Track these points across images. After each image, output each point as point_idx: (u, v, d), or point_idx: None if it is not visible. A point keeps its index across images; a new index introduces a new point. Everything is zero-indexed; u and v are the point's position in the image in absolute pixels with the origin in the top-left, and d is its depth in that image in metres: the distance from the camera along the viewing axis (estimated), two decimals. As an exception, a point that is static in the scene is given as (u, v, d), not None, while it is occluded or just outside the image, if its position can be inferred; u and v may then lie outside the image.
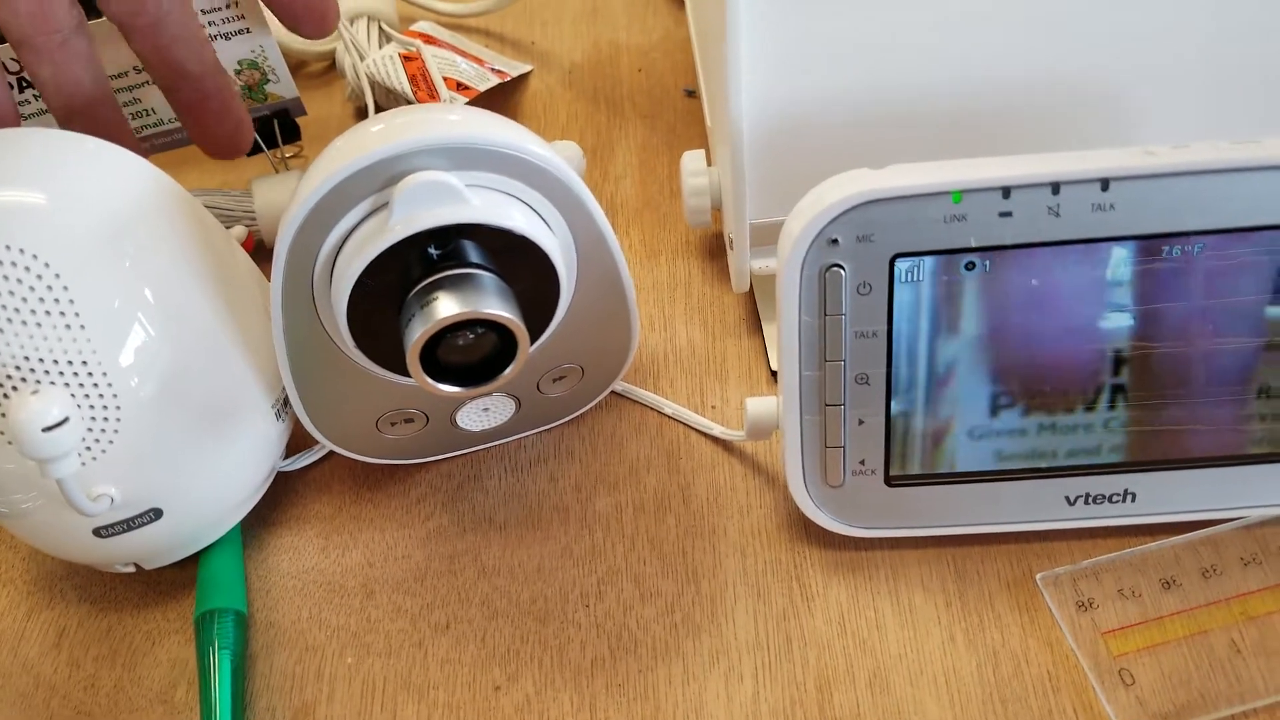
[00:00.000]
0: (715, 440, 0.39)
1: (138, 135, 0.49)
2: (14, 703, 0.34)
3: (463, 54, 0.54)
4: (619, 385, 0.40)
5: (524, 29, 0.59)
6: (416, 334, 0.29)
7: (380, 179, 0.29)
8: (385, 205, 0.29)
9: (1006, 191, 0.29)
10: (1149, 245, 0.30)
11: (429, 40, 0.54)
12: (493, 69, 0.54)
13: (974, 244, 0.30)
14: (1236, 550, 0.34)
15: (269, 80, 0.48)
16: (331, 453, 0.39)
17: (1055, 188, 0.29)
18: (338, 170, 0.28)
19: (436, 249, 0.29)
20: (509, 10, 0.58)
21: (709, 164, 0.43)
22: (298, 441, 0.39)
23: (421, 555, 0.36)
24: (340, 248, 0.30)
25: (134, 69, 0.46)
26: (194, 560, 0.36)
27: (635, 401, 0.40)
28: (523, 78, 0.55)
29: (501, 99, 0.54)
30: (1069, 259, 0.30)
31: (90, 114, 0.38)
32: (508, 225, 0.30)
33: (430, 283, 0.29)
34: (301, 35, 0.41)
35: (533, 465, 0.39)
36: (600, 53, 0.57)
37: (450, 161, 0.29)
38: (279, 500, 0.38)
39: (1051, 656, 0.32)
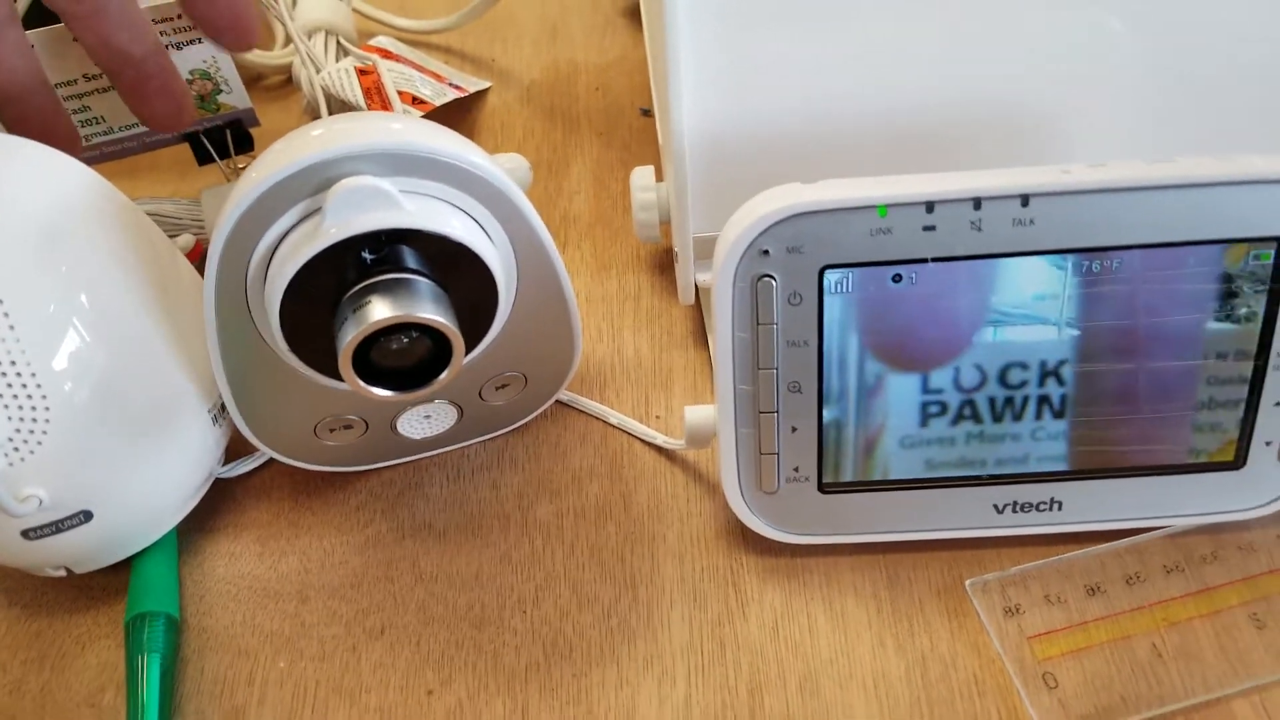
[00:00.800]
0: (658, 450, 0.39)
1: (87, 143, 0.49)
2: (-60, 708, 0.33)
3: (420, 69, 0.54)
4: (564, 395, 0.40)
5: (484, 47, 0.60)
6: (349, 337, 0.29)
7: (314, 183, 0.29)
8: (320, 210, 0.29)
9: (930, 206, 0.30)
10: (1071, 261, 0.31)
11: (387, 55, 0.54)
12: (451, 84, 0.54)
13: (899, 257, 0.31)
14: (1160, 558, 0.35)
15: (222, 91, 0.48)
16: (271, 460, 0.39)
17: (977, 203, 0.30)
18: (272, 173, 0.29)
19: (371, 254, 0.30)
20: (470, 28, 0.59)
21: (658, 180, 0.43)
22: (237, 448, 0.39)
23: (359, 561, 0.36)
24: (274, 251, 0.30)
25: (83, 76, 0.46)
26: (127, 565, 0.35)
27: (580, 411, 0.41)
28: (481, 94, 0.56)
29: (459, 114, 0.54)
30: (992, 273, 0.31)
31: (26, 101, 0.38)
32: (443, 231, 0.30)
33: (363, 287, 0.29)
34: (225, 47, 0.42)
35: (475, 473, 0.39)
36: (559, 71, 0.58)
37: (386, 168, 0.30)
38: (217, 507, 0.38)
39: (979, 660, 0.33)
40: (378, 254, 0.30)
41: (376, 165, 0.29)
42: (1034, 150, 0.38)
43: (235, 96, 0.48)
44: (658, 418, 0.40)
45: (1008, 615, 0.34)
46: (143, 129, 0.49)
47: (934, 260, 0.31)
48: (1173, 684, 0.32)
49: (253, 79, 0.56)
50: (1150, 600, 0.34)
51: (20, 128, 0.39)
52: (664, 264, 0.46)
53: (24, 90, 0.38)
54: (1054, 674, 0.32)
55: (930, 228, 0.30)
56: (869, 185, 0.30)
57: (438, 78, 0.54)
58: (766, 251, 0.31)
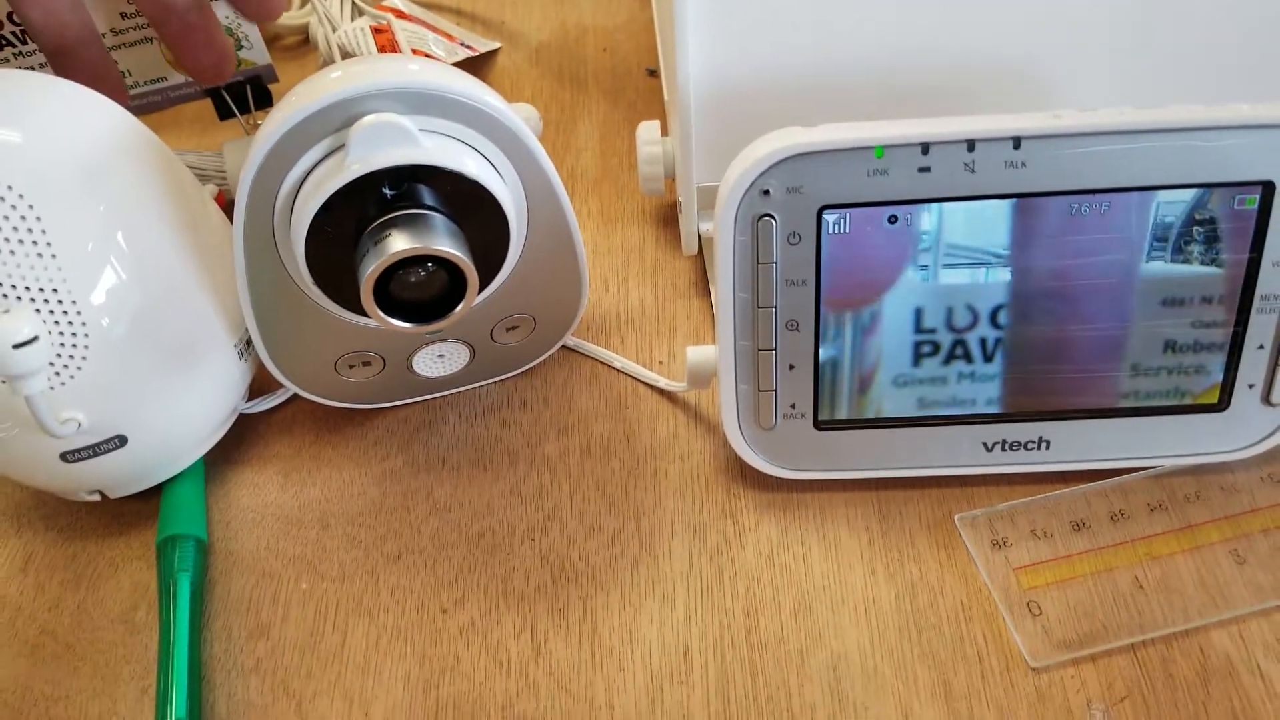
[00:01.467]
0: (661, 392, 0.41)
1: (114, 97, 0.50)
2: (-20, 623, 0.35)
3: (433, 29, 0.56)
4: (571, 340, 0.42)
5: (494, 9, 0.61)
6: (370, 267, 0.31)
7: (337, 121, 0.31)
8: (342, 147, 0.31)
9: (925, 148, 0.31)
10: (1059, 202, 0.32)
11: (400, 15, 0.56)
12: (462, 44, 0.56)
13: (895, 197, 0.32)
14: (1144, 497, 0.36)
15: (243, 47, 0.49)
16: (294, 397, 0.41)
17: (970, 145, 0.31)
18: (296, 111, 0.30)
19: (391, 190, 0.31)
20: (480, -10, 0.60)
21: (664, 135, 0.45)
22: (262, 386, 0.41)
23: (376, 492, 0.38)
24: (299, 188, 0.32)
25: (111, 31, 0.47)
26: (157, 492, 0.37)
27: (586, 356, 0.42)
28: (491, 54, 0.57)
29: (469, 73, 0.55)
30: (984, 214, 0.32)
31: (77, 53, 0.40)
32: (459, 169, 0.31)
33: (384, 221, 0.31)
34: (248, 18, 0.44)
35: (486, 413, 0.41)
36: (567, 33, 0.59)
37: (406, 106, 0.31)
38: (242, 440, 0.40)
39: (966, 590, 0.34)
40: (398, 190, 0.31)
41: (397, 103, 0.31)
42: (1029, 103, 0.39)
43: (256, 53, 0.50)
44: (660, 363, 0.42)
45: (995, 548, 0.35)
46: (167, 83, 0.51)
47: (928, 201, 0.32)
48: (1153, 614, 0.34)
49: (271, 38, 0.58)
50: (1134, 536, 0.35)
51: (71, 78, 0.41)
52: (668, 218, 0.48)
53: (77, 42, 0.40)
54: (1038, 602, 0.34)
55: (925, 169, 0.32)
56: (867, 128, 0.32)
57: (449, 37, 0.56)
58: (767, 191, 0.32)
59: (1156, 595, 0.34)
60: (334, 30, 0.53)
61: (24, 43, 0.47)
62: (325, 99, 0.30)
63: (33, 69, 0.47)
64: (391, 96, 0.31)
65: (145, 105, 0.51)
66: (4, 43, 0.46)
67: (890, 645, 0.33)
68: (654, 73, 0.56)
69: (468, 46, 0.56)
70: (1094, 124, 0.31)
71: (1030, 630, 0.33)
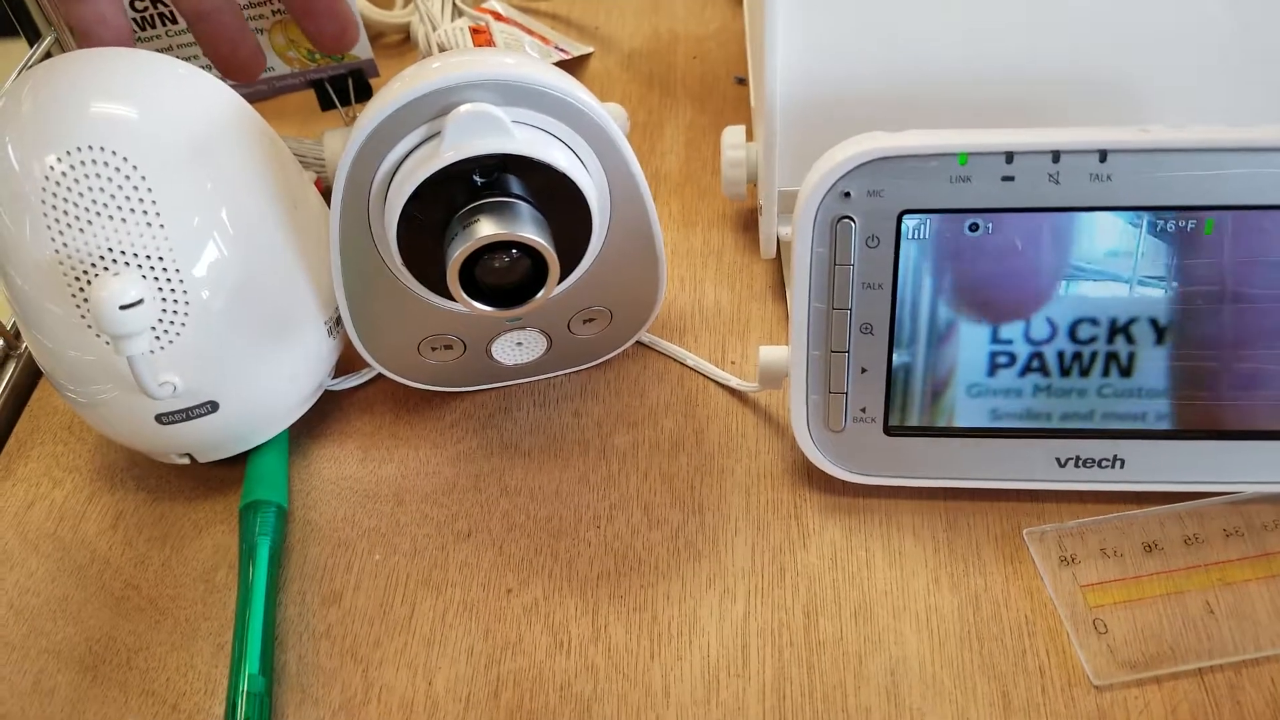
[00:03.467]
0: (731, 391, 0.41)
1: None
2: (72, 573, 0.37)
3: (529, 32, 0.57)
4: (645, 336, 0.43)
5: (589, 14, 0.62)
6: (457, 251, 0.32)
7: (434, 109, 0.32)
8: (438, 134, 0.32)
9: (1009, 157, 0.31)
10: (1142, 217, 0.32)
11: (498, 18, 0.57)
12: (556, 47, 0.57)
13: (977, 205, 0.32)
14: (1220, 523, 0.36)
15: (347, 41, 0.51)
16: (377, 378, 0.42)
17: (1055, 156, 0.31)
18: (396, 99, 0.32)
19: (481, 178, 0.32)
20: (576, -4, 0.62)
21: (749, 140, 0.45)
22: (347, 365, 0.42)
23: (450, 472, 0.39)
24: (394, 173, 0.33)
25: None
26: (243, 459, 0.39)
27: (660, 353, 0.43)
28: (584, 58, 0.59)
29: (561, 75, 0.57)
30: (1069, 226, 0.32)
31: (216, 19, 0.42)
32: (548, 160, 0.32)
33: (473, 207, 0.32)
34: (321, 49, 0.45)
35: (560, 402, 0.41)
36: (659, 40, 0.60)
37: (500, 97, 0.32)
38: (326, 415, 0.41)
39: (1030, 604, 0.34)
40: (488, 179, 0.32)
41: (492, 94, 0.32)
42: (1116, 119, 0.38)
43: (360, 47, 0.52)
44: (733, 363, 0.42)
45: (1063, 564, 0.35)
46: (274, 73, 0.53)
47: (1011, 210, 0.32)
48: (1224, 640, 0.33)
49: (374, 36, 0.60)
50: (1207, 561, 0.35)
51: (211, 42, 0.43)
52: (748, 223, 0.48)
53: (213, 8, 0.42)
54: (1104, 620, 0.33)
55: (1009, 178, 0.32)
56: (951, 135, 0.32)
57: (544, 40, 0.57)
58: (848, 194, 0.32)
59: (1228, 621, 0.33)
60: (434, 29, 0.55)
61: (173, 21, 0.49)
62: (424, 87, 0.31)
63: (173, 49, 0.50)
64: (487, 87, 0.32)
65: (251, 93, 0.53)
66: (152, 22, 0.49)
67: (950, 654, 0.33)
68: (742, 81, 0.56)
69: (561, 50, 0.57)
70: (1182, 140, 0.31)
71: (1095, 648, 0.33)
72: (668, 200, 0.50)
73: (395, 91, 0.32)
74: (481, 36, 0.54)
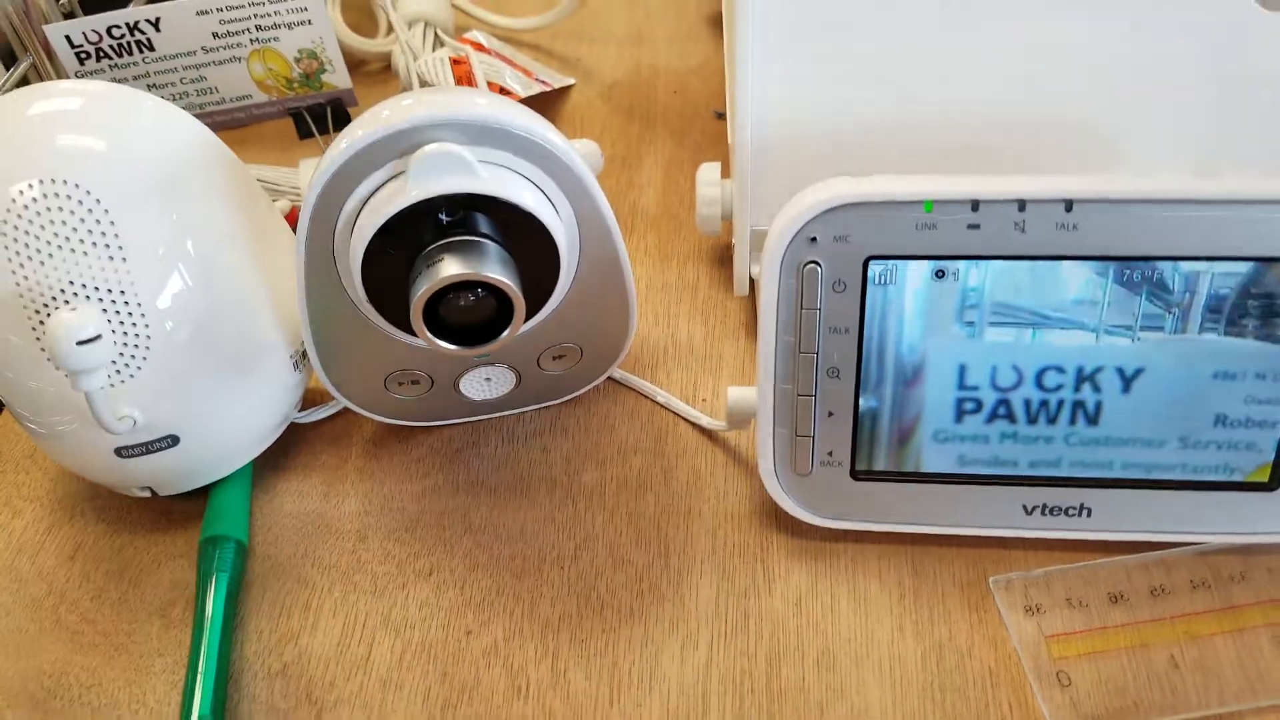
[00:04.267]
0: (701, 430, 0.41)
1: (201, 111, 0.53)
2: (27, 605, 0.37)
3: (510, 63, 0.57)
4: (617, 373, 0.42)
5: (571, 47, 0.62)
6: (421, 289, 0.31)
7: (402, 147, 0.32)
8: (404, 172, 0.32)
9: (975, 205, 0.31)
10: (1108, 267, 0.32)
11: (479, 48, 0.57)
12: (537, 79, 0.57)
13: (942, 252, 0.32)
14: (1187, 573, 0.35)
15: (325, 70, 0.51)
16: (344, 410, 0.42)
17: (1021, 205, 0.31)
18: (365, 135, 0.31)
19: (447, 216, 0.32)
20: (559, 29, 0.62)
21: (724, 177, 0.45)
22: (314, 398, 0.42)
23: (415, 509, 0.39)
24: (361, 209, 0.33)
25: (201, 49, 0.50)
26: (205, 493, 0.38)
27: (631, 389, 0.43)
28: (565, 90, 0.59)
29: (543, 107, 0.57)
30: (1034, 275, 0.32)
31: None
32: (515, 200, 0.32)
33: (438, 246, 0.32)
34: None
35: (528, 438, 0.41)
36: (640, 73, 0.60)
37: (467, 137, 0.32)
38: (290, 449, 0.41)
39: (995, 655, 0.34)
40: (453, 217, 0.32)
41: (459, 134, 0.32)
42: (1091, 163, 0.39)
43: (338, 77, 0.52)
44: (704, 400, 0.42)
45: (1028, 613, 0.35)
46: (251, 101, 0.53)
47: (976, 258, 0.32)
48: (1188, 695, 0.33)
49: (355, 64, 0.60)
50: (1173, 613, 0.35)
51: None
52: (723, 258, 0.48)
53: None
54: (1068, 673, 0.33)
55: (975, 226, 0.32)
56: (917, 181, 0.32)
57: (526, 72, 0.57)
58: (814, 239, 0.32)
59: (1193, 676, 0.33)
60: (415, 59, 0.55)
61: (150, 49, 0.49)
62: (392, 126, 0.31)
63: (149, 76, 0.49)
64: (455, 127, 0.32)
65: (230, 121, 0.53)
66: (129, 49, 0.49)
67: (913, 706, 0.33)
68: (721, 115, 0.56)
69: (542, 81, 0.57)
70: (1147, 191, 0.31)
71: (1058, 701, 0.32)
72: (644, 234, 0.50)
73: (362, 129, 0.32)
74: (462, 67, 0.54)
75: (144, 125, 0.35)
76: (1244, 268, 0.31)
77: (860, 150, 0.39)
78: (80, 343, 0.30)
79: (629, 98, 0.58)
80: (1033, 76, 0.38)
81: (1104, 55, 0.37)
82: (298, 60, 0.51)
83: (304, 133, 0.53)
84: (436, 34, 0.58)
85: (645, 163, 0.54)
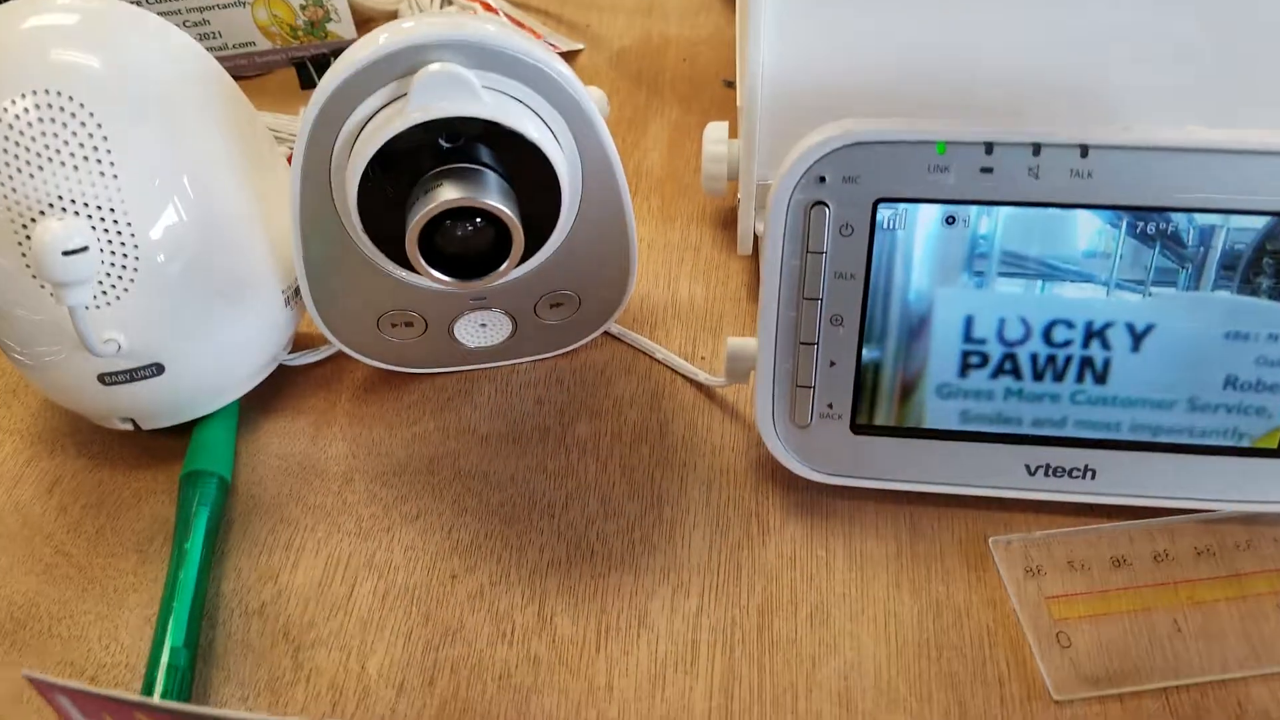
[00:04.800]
0: (699, 387, 0.40)
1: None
2: (1, 536, 0.36)
3: (519, 24, 0.57)
4: (615, 328, 0.42)
5: (581, 13, 0.62)
6: (418, 215, 0.31)
7: (402, 68, 0.31)
8: (404, 95, 0.31)
9: (989, 147, 0.31)
10: (1122, 218, 0.31)
11: (488, 7, 0.57)
12: (545, 42, 0.56)
13: (954, 196, 0.31)
14: (1191, 540, 0.35)
15: (331, 19, 0.51)
16: (334, 355, 0.41)
17: (1036, 149, 0.31)
18: (363, 55, 0.31)
19: (448, 143, 0.31)
20: (568, -6, 0.61)
21: (732, 138, 0.44)
22: (306, 341, 0.41)
23: (404, 454, 0.38)
24: (358, 133, 0.32)
25: (205, -10, 0.49)
26: (189, 429, 0.38)
27: (629, 345, 0.42)
28: (572, 54, 0.58)
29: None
30: (1046, 224, 0.31)
31: None
32: (518, 129, 0.31)
33: (437, 171, 0.31)
34: None
35: (522, 388, 0.40)
36: (650, 41, 0.59)
37: (472, 60, 0.31)
38: (280, 390, 0.40)
39: (993, 614, 0.33)
40: (454, 143, 0.31)
41: (464, 56, 0.31)
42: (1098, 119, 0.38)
43: (343, 26, 0.51)
44: (702, 358, 0.41)
45: (1028, 575, 0.34)
46: (255, 48, 0.52)
47: (989, 203, 0.31)
48: (1190, 660, 0.32)
49: (363, 21, 0.59)
50: (1177, 578, 0.34)
51: None
52: (727, 221, 0.47)
53: None
54: (1068, 634, 0.32)
55: (988, 169, 0.31)
56: (930, 123, 0.31)
57: (535, 34, 0.57)
58: (823, 178, 0.31)
59: (1196, 642, 0.32)
60: (421, 14, 0.54)
61: None
62: (392, 44, 0.31)
63: None
64: (458, 49, 0.31)
65: (232, 69, 0.53)
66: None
67: (907, 661, 0.32)
68: (730, 84, 0.56)
69: (551, 45, 0.56)
70: (1165, 139, 0.30)
71: (1057, 662, 0.32)
72: (648, 195, 0.49)
73: (362, 48, 0.31)
74: (468, 24, 0.54)
75: (145, 45, 0.34)
76: (1260, 222, 0.31)
77: (870, 106, 0.39)
78: (66, 253, 0.30)
79: (638, 64, 0.57)
80: (1046, 37, 0.37)
81: (1121, 17, 0.37)
82: (303, 7, 0.50)
83: (307, 83, 0.52)
84: (444, -7, 0.57)
85: (651, 126, 0.53)
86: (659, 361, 0.41)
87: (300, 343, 0.41)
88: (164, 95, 0.33)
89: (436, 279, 0.32)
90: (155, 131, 0.33)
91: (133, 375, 0.35)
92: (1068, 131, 0.30)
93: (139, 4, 0.47)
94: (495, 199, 0.31)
